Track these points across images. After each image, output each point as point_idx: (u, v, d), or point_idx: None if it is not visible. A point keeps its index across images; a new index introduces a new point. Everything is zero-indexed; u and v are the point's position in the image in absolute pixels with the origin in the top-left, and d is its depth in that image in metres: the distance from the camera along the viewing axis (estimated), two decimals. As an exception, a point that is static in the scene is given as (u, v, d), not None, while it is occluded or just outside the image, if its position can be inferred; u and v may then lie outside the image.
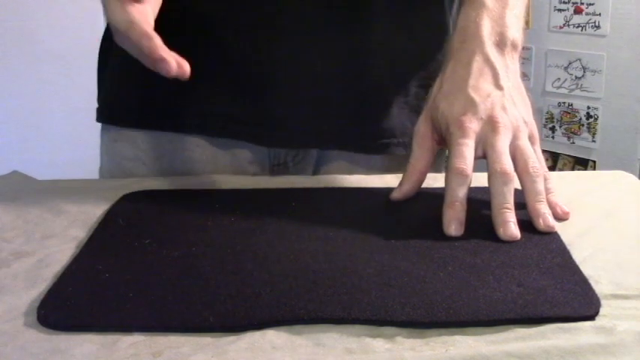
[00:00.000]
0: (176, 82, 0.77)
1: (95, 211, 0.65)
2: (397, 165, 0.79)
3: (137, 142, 0.79)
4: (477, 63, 0.65)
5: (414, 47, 0.78)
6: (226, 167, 0.79)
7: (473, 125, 0.62)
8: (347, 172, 0.78)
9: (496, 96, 0.63)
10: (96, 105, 0.85)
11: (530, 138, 0.64)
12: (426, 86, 0.72)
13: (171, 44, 0.77)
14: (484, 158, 0.61)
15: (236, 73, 0.77)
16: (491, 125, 0.62)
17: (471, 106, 0.63)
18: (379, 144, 0.79)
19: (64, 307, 0.49)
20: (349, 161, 0.81)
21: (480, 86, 0.64)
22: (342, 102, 0.78)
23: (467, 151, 0.60)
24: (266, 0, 0.74)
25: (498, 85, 0.64)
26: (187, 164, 0.78)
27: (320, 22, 0.75)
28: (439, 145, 0.67)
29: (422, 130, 0.67)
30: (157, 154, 0.79)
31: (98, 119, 0.83)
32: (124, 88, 0.80)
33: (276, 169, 0.81)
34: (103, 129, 0.83)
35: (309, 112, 0.77)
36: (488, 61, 0.65)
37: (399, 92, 0.79)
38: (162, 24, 0.77)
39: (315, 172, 0.82)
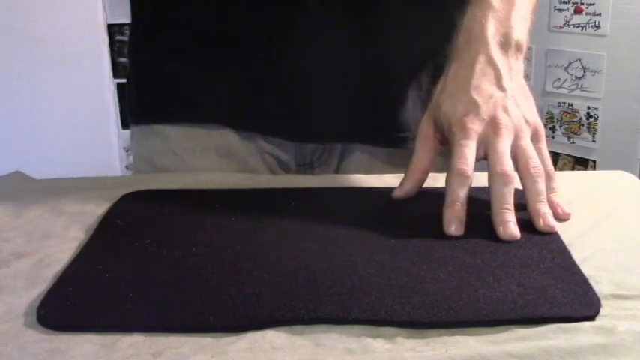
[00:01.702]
0: (203, 78, 0.79)
1: (95, 211, 0.65)
2: None
3: (167, 134, 0.81)
4: (480, 64, 0.65)
5: (427, 41, 0.79)
6: (255, 166, 0.82)
7: (475, 126, 0.62)
8: (367, 167, 0.81)
9: (498, 97, 0.63)
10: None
11: (535, 137, 0.64)
12: (436, 82, 0.74)
13: (195, 46, 0.79)
14: (486, 159, 0.62)
15: (258, 71, 0.79)
16: (492, 126, 0.62)
17: (473, 107, 0.63)
18: (397, 137, 0.81)
19: (64, 307, 0.49)
20: (370, 155, 0.83)
21: (483, 87, 0.64)
22: (360, 96, 0.80)
23: (468, 152, 0.61)
24: (285, 1, 0.76)
25: (501, 86, 0.64)
26: (221, 149, 0.80)
27: (337, 22, 0.76)
28: (442, 145, 0.67)
29: (425, 130, 0.67)
30: (189, 144, 0.81)
31: (132, 121, 0.86)
32: (152, 86, 0.83)
33: (302, 169, 0.83)
34: (132, 129, 0.86)
35: (330, 108, 0.79)
36: (491, 62, 0.65)
37: (414, 86, 0.81)
38: (186, 29, 0.79)
39: (338, 170, 0.84)
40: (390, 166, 0.81)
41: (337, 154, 0.84)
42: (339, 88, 0.79)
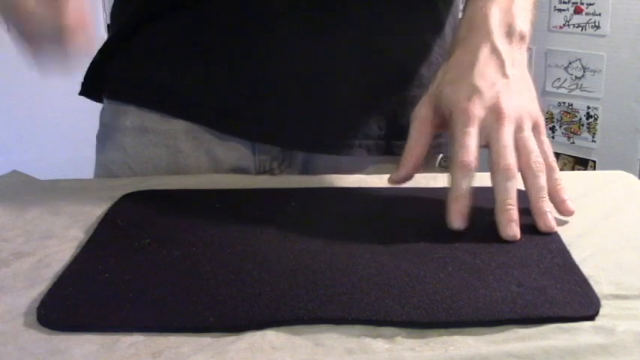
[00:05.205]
0: (177, 67, 0.77)
1: (95, 211, 0.65)
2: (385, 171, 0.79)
3: (124, 146, 0.80)
4: (484, 51, 0.65)
5: (406, 46, 0.78)
6: (210, 172, 0.79)
7: (477, 112, 0.61)
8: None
9: (501, 84, 0.63)
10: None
11: (536, 128, 0.63)
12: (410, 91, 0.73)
13: (167, 35, 0.77)
14: (487, 147, 0.61)
15: (233, 72, 0.77)
16: (495, 114, 0.61)
17: (476, 93, 0.62)
18: (352, 145, 0.79)
19: (64, 307, 0.49)
20: (334, 172, 0.80)
21: (486, 74, 0.63)
22: (341, 102, 0.78)
23: (471, 142, 0.59)
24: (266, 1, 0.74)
25: (504, 74, 0.64)
26: (172, 167, 0.79)
27: (312, 25, 0.75)
28: (438, 130, 0.66)
29: (422, 114, 0.65)
30: (143, 158, 0.79)
31: (83, 92, 0.85)
32: (130, 60, 0.81)
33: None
34: (97, 136, 0.84)
35: (301, 114, 0.77)
36: (495, 50, 0.65)
37: (367, 95, 0.79)
38: (162, 18, 0.77)
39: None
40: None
41: (298, 163, 0.81)
42: (312, 92, 0.76)
